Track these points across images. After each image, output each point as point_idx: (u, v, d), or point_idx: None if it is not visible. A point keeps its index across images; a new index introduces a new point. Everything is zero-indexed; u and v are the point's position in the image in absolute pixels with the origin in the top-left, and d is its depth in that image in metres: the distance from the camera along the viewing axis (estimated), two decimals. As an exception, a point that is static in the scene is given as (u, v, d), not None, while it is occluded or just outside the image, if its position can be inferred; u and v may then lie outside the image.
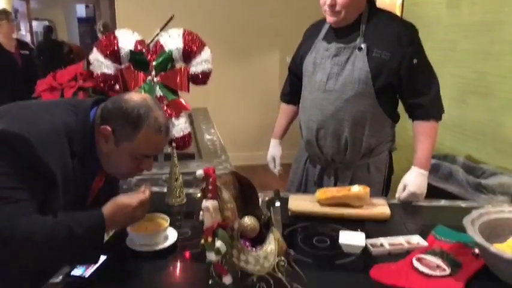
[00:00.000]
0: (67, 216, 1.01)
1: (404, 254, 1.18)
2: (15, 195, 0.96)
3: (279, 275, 0.96)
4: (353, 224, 1.36)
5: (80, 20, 12.16)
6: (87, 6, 12.15)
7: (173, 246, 1.21)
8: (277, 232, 1.01)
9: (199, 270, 1.11)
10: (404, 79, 1.51)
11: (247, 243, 1.04)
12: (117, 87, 1.70)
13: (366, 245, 1.19)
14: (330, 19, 1.53)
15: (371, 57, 1.50)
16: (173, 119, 1.72)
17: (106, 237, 1.10)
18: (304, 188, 1.77)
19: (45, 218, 0.99)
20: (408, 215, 1.47)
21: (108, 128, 1.09)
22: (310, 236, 1.29)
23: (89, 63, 1.66)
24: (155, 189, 1.68)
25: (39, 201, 1.01)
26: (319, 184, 1.70)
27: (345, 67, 1.53)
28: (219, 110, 3.74)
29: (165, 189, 1.68)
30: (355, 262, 1.16)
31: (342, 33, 1.56)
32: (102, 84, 1.65)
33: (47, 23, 11.04)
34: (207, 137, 2.52)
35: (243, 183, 1.09)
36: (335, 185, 1.67)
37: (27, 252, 0.97)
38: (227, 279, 0.97)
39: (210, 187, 0.99)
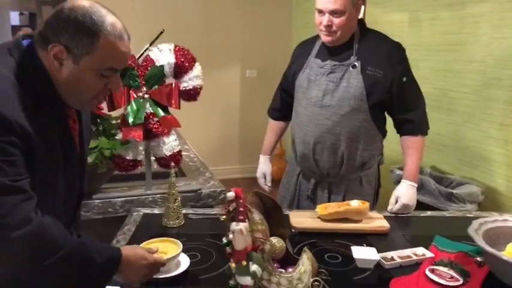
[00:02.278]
0: (89, 240, 0.96)
1: (415, 265, 1.22)
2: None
3: (315, 296, 0.95)
4: (356, 238, 1.39)
5: (14, 28, 11.44)
6: (21, 13, 11.48)
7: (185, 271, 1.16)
8: (309, 252, 1.01)
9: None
10: (395, 96, 1.59)
11: (275, 265, 1.02)
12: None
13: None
14: (325, 38, 1.57)
15: (365, 75, 1.55)
16: (164, 137, 1.65)
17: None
18: (297, 202, 1.77)
19: (68, 233, 0.93)
20: (403, 227, 1.53)
21: (59, 45, 0.89)
22: (321, 252, 1.30)
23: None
24: (145, 210, 1.60)
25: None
26: (313, 198, 1.72)
27: (340, 84, 1.58)
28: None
29: (156, 210, 1.61)
30: (371, 277, 1.18)
31: (335, 51, 1.61)
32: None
33: (-22, 31, 10.26)
34: (183, 153, 2.45)
35: (267, 202, 1.08)
36: (329, 198, 1.70)
37: (46, 259, 0.87)
38: (260, 304, 0.95)
39: (240, 209, 0.97)
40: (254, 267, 0.92)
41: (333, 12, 1.51)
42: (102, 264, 0.95)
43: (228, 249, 1.01)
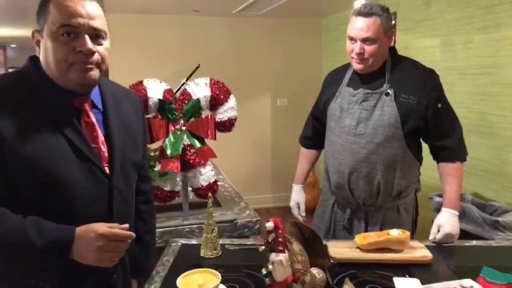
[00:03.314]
0: (34, 222, 0.92)
1: (462, 298, 1.17)
2: None
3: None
4: (397, 268, 1.34)
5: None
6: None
7: (225, 302, 1.16)
8: (350, 283, 0.99)
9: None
10: (431, 122, 1.56)
11: (316, 297, 1.01)
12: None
13: (423, 291, 1.17)
14: (357, 66, 1.58)
15: (399, 102, 1.55)
16: (200, 167, 1.69)
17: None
18: (332, 233, 1.75)
19: (8, 216, 0.92)
20: (447, 257, 1.47)
21: (33, 31, 1.01)
22: (362, 284, 1.26)
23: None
24: (182, 241, 1.62)
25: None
26: (349, 229, 1.69)
27: (374, 112, 1.57)
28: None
29: (193, 241, 1.63)
30: (416, 310, 1.13)
31: (367, 79, 1.61)
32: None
33: (24, 70, 10.93)
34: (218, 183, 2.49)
35: (306, 232, 1.07)
36: (366, 228, 1.66)
37: None
38: (303, 337, 0.93)
39: (280, 239, 0.97)
40: (295, 299, 0.91)
41: (365, 40, 1.52)
42: (45, 245, 0.91)
43: (267, 280, 1.01)
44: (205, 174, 1.70)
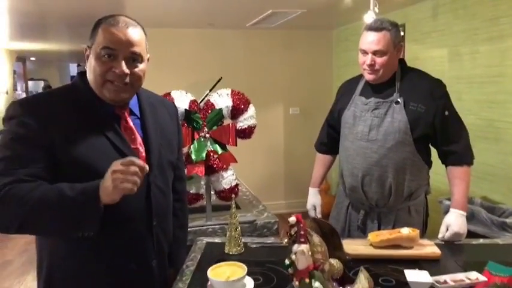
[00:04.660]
0: (65, 183, 1.03)
1: (468, 289, 1.27)
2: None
3: (373, 311, 1.04)
4: (408, 264, 1.44)
5: (73, 78, 12.47)
6: (78, 65, 12.54)
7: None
8: (365, 271, 1.10)
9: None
10: (438, 129, 1.68)
11: (334, 284, 1.12)
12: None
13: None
14: (369, 77, 1.71)
15: (408, 110, 1.66)
16: (223, 172, 1.82)
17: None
18: (347, 233, 1.86)
19: (42, 183, 1.03)
20: (455, 254, 1.57)
21: (86, 47, 1.15)
22: (375, 277, 1.36)
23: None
24: (207, 239, 1.75)
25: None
26: (363, 229, 1.80)
27: (385, 119, 1.69)
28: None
29: (216, 240, 1.76)
30: (425, 299, 1.24)
31: (379, 89, 1.74)
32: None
33: (42, 82, 11.28)
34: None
35: (324, 227, 1.19)
36: (379, 228, 1.77)
37: (18, 211, 0.99)
38: (323, 318, 1.04)
39: (301, 232, 1.09)
40: (317, 284, 1.03)
41: (376, 53, 1.65)
42: (77, 196, 1.00)
43: (289, 270, 1.13)
44: (227, 178, 1.82)
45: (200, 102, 1.82)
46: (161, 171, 1.24)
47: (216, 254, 1.59)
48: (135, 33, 1.13)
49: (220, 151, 1.82)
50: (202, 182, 1.84)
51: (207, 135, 1.79)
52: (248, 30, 4.50)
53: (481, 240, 1.71)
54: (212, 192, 1.92)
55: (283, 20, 3.84)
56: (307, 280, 1.05)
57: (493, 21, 2.56)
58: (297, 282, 1.08)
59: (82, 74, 1.19)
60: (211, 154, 1.81)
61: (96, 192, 1.00)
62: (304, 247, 1.07)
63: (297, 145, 4.88)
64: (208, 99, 1.82)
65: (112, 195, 1.00)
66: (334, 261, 1.14)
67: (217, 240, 1.75)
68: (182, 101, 1.77)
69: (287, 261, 1.14)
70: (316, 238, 1.09)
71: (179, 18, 3.74)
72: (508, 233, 2.16)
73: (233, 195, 1.57)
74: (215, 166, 1.80)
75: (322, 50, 4.85)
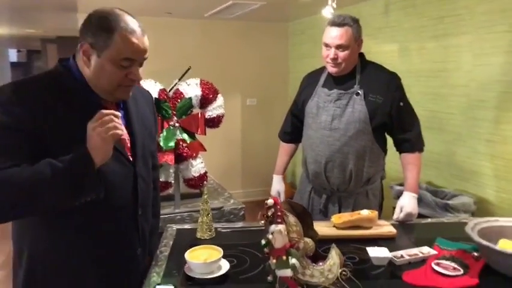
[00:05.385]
0: (46, 159, 1.02)
1: (421, 262, 1.42)
2: None
3: (343, 283, 1.15)
4: (368, 242, 1.58)
5: (13, 65, 11.72)
6: (19, 51, 11.73)
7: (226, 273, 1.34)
8: (337, 248, 1.20)
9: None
10: (394, 118, 1.82)
11: (308, 261, 1.22)
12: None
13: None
14: (332, 70, 1.82)
15: (367, 101, 1.79)
16: (191, 160, 1.86)
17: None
18: (310, 216, 1.97)
19: (23, 166, 1.00)
20: (408, 232, 1.73)
21: (86, 43, 1.10)
22: (340, 254, 1.49)
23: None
24: (176, 226, 1.79)
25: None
26: (325, 212, 1.92)
27: (346, 109, 1.81)
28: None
29: (186, 226, 1.80)
30: (386, 272, 1.37)
31: (340, 81, 1.85)
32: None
33: (-22, 67, 10.46)
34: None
35: (297, 208, 1.28)
36: (339, 211, 1.90)
37: (11, 193, 0.98)
38: (299, 292, 1.14)
39: (278, 213, 1.17)
40: (293, 261, 1.12)
41: (339, 47, 1.76)
42: (69, 165, 1.01)
43: (266, 249, 1.21)
44: (197, 166, 1.87)
45: (169, 91, 1.83)
46: (144, 161, 1.26)
47: (188, 240, 1.64)
48: (146, 39, 1.15)
49: (189, 140, 1.85)
50: (171, 171, 1.87)
51: (177, 124, 1.82)
52: (207, 20, 4.49)
53: (429, 220, 1.90)
54: (181, 181, 1.96)
55: (242, 11, 3.88)
56: (284, 258, 1.13)
57: (438, 20, 2.78)
58: (274, 260, 1.16)
59: (62, 61, 1.17)
60: (181, 143, 1.84)
61: (87, 157, 1.01)
62: (281, 227, 1.15)
63: (254, 135, 4.98)
64: (177, 88, 1.84)
65: (103, 150, 1.03)
66: (308, 240, 1.24)
67: (186, 226, 1.79)
68: (151, 90, 1.77)
69: (263, 241, 1.21)
70: (291, 218, 1.18)
71: (135, 5, 3.66)
72: (450, 213, 2.39)
73: (205, 182, 1.62)
74: (185, 154, 1.83)
75: (278, 42, 4.96)
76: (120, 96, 1.17)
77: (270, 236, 1.17)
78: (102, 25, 1.09)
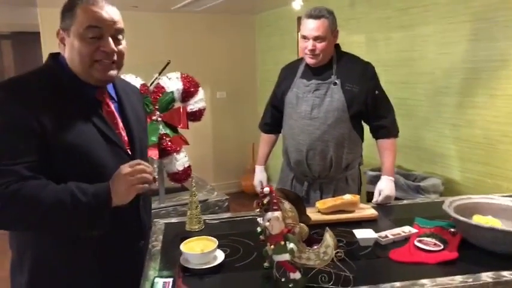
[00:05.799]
0: (74, 184, 1.04)
1: (404, 240, 1.51)
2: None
3: (338, 263, 1.21)
4: (353, 225, 1.65)
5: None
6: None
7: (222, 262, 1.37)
8: (330, 231, 1.26)
9: (252, 278, 1.27)
10: (370, 106, 1.91)
11: (303, 244, 1.27)
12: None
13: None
14: (310, 61, 1.87)
15: (345, 90, 1.86)
16: (175, 154, 1.86)
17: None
18: (293, 204, 2.03)
19: (49, 183, 1.03)
20: (388, 214, 1.83)
21: (60, 30, 1.13)
22: (328, 238, 1.55)
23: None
24: (163, 220, 1.79)
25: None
26: (307, 199, 1.99)
27: (325, 99, 1.87)
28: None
29: (173, 220, 1.81)
30: (372, 252, 1.44)
31: (318, 71, 1.91)
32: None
33: None
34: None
35: (290, 196, 1.32)
36: (321, 197, 1.97)
37: (30, 213, 1.00)
38: (297, 275, 1.18)
39: (274, 200, 1.21)
40: (291, 245, 1.16)
41: (316, 38, 1.81)
42: (90, 201, 1.03)
43: (261, 237, 1.25)
44: (181, 160, 1.87)
45: (150, 86, 1.82)
46: (142, 155, 1.27)
47: (178, 232, 1.65)
48: (115, 11, 1.13)
49: (171, 134, 1.85)
50: (155, 165, 1.87)
51: (159, 118, 1.81)
52: (173, 13, 4.43)
53: (405, 201, 2.00)
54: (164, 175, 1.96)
55: (209, 4, 3.87)
56: (282, 243, 1.18)
57: (403, 11, 2.89)
58: (272, 246, 1.20)
59: (54, 56, 1.15)
60: (164, 137, 1.84)
61: (108, 196, 1.04)
62: (278, 213, 1.19)
63: (225, 129, 4.99)
64: (158, 83, 1.83)
65: (124, 196, 1.06)
66: (303, 225, 1.29)
67: (174, 220, 1.80)
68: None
69: (259, 229, 1.25)
70: (287, 205, 1.22)
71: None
72: (421, 195, 2.52)
73: (192, 175, 1.63)
74: (169, 149, 1.83)
75: (245, 35, 4.97)
76: (98, 75, 1.12)
77: (267, 223, 1.21)
78: (66, 6, 1.11)
